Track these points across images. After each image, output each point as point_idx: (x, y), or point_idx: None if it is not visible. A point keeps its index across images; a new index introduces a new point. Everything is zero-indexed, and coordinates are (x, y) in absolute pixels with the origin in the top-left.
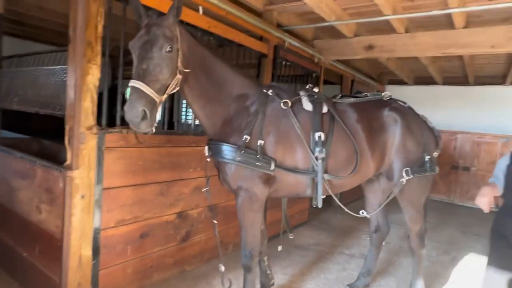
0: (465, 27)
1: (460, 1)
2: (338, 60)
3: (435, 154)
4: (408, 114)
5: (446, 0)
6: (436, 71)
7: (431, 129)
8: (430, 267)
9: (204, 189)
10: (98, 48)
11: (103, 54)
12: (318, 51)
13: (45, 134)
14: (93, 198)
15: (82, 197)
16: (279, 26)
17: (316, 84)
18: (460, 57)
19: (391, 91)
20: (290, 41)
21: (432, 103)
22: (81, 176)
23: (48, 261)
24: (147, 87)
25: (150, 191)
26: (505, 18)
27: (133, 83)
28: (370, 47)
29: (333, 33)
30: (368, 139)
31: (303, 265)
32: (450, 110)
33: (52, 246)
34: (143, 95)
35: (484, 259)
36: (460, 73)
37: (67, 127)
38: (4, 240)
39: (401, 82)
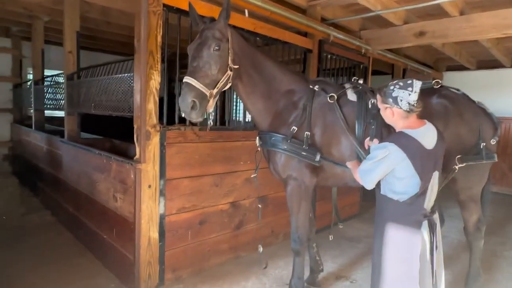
0: None
1: None
2: (388, 50)
3: (493, 141)
4: (459, 101)
5: None
6: (501, 53)
7: (488, 115)
8: (494, 262)
9: (252, 175)
10: (158, 56)
11: (162, 61)
12: (365, 41)
13: (114, 135)
14: (158, 188)
15: (149, 186)
16: (323, 20)
17: (364, 75)
18: None
19: (451, 78)
20: (334, 34)
21: (499, 88)
22: (147, 168)
23: (124, 242)
24: (196, 81)
25: (205, 182)
26: None
27: (185, 79)
28: (421, 34)
29: (381, 22)
30: None
31: (353, 256)
32: None
33: (127, 229)
34: (193, 89)
35: None
36: None
37: (135, 126)
38: (88, 224)
39: (462, 68)
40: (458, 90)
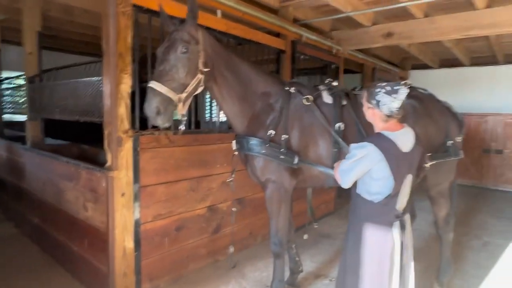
0: (487, 6)
1: None
2: (358, 50)
3: (459, 139)
4: (427, 101)
5: None
6: (461, 53)
7: (453, 115)
8: (460, 252)
9: (228, 179)
10: (129, 58)
11: (134, 62)
12: (336, 42)
13: (83, 140)
14: (132, 195)
15: (123, 194)
16: (296, 21)
17: (336, 74)
18: (486, 37)
19: (415, 76)
20: (307, 35)
21: (459, 86)
22: (120, 175)
23: (96, 253)
24: (161, 86)
25: (181, 187)
26: None
27: (150, 83)
28: (389, 35)
29: (351, 23)
30: None
31: (331, 253)
32: (479, 92)
33: (99, 239)
34: (157, 94)
35: None
36: (488, 53)
37: (106, 132)
38: (56, 236)
39: (426, 66)
40: (425, 90)
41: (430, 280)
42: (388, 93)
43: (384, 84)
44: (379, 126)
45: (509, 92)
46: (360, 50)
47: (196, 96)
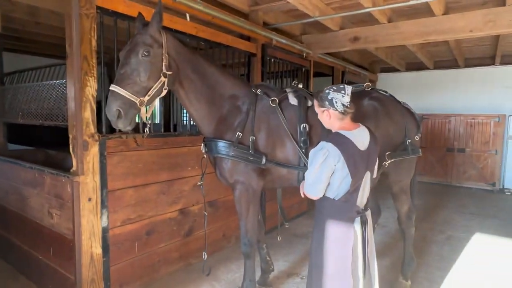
0: (446, 13)
1: None
2: (328, 53)
3: (417, 137)
4: (387, 102)
5: None
6: (425, 57)
7: (412, 115)
8: (425, 247)
9: (198, 183)
10: (94, 61)
11: (99, 64)
12: (306, 46)
13: (49, 145)
14: (99, 200)
15: (89, 200)
16: (266, 24)
17: (307, 77)
18: (446, 42)
19: (384, 79)
20: (277, 38)
21: (425, 88)
22: (86, 180)
23: (63, 261)
24: (122, 89)
25: (151, 191)
26: (483, 2)
27: (111, 87)
28: (355, 39)
29: (320, 27)
30: None
31: (303, 252)
32: (443, 94)
33: (65, 246)
34: (118, 97)
35: (478, 236)
36: (450, 57)
37: (70, 136)
38: (20, 245)
39: (393, 70)
40: (386, 92)
41: (396, 274)
42: (337, 90)
43: (329, 86)
44: (335, 126)
45: (470, 93)
46: (330, 54)
47: (173, 100)
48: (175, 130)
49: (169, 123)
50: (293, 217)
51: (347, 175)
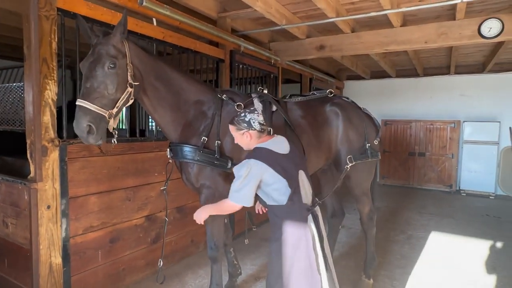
0: (403, 25)
1: (393, 2)
2: (296, 60)
3: (376, 142)
4: (348, 107)
5: (380, 2)
6: (388, 66)
7: (371, 120)
8: (387, 246)
9: (162, 188)
10: (54, 63)
11: (60, 67)
12: (274, 53)
13: (5, 152)
14: (60, 208)
15: (48, 207)
16: (234, 31)
17: (275, 84)
18: (406, 52)
19: (350, 87)
20: (245, 45)
21: (388, 95)
22: (45, 187)
23: (19, 272)
24: (91, 104)
25: (116, 197)
26: (437, 16)
27: (78, 102)
28: (321, 47)
29: (288, 35)
30: (314, 132)
31: None
32: (404, 101)
33: (21, 257)
34: (88, 112)
35: (435, 234)
36: (410, 66)
37: (28, 142)
38: None
39: (359, 77)
40: (347, 98)
41: (360, 274)
42: (251, 112)
43: (242, 110)
44: (254, 145)
45: (429, 101)
46: (298, 61)
47: (139, 105)
48: (141, 135)
49: (135, 129)
50: (261, 222)
51: (280, 180)
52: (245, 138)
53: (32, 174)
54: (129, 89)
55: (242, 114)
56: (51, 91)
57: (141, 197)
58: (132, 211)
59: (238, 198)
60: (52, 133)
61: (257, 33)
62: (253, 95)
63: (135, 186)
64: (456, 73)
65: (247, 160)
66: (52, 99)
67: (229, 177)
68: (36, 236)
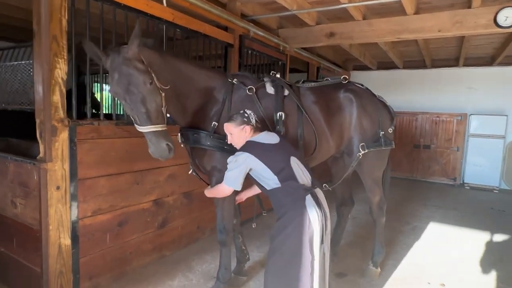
0: (416, 13)
1: None
2: (303, 48)
3: (390, 130)
4: (363, 94)
5: None
6: (396, 56)
7: (386, 107)
8: (393, 237)
9: (190, 171)
10: (64, 42)
11: (69, 50)
12: (283, 39)
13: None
14: (69, 189)
15: (58, 188)
16: (243, 16)
17: (283, 71)
18: (416, 42)
19: (357, 77)
20: (255, 30)
21: (394, 87)
22: (55, 168)
23: (28, 252)
24: (155, 126)
25: (124, 180)
26: (452, 3)
27: (144, 129)
28: (331, 35)
29: (297, 21)
30: (326, 119)
31: None
32: (411, 92)
33: (31, 237)
34: (159, 134)
35: (441, 226)
36: (418, 57)
37: (37, 121)
38: None
39: (366, 68)
40: (362, 85)
41: (367, 262)
42: (244, 111)
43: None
44: (247, 139)
45: (436, 93)
46: (306, 49)
47: None
48: None
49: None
50: (270, 208)
51: (264, 167)
52: (243, 133)
53: (41, 154)
54: (163, 94)
55: (241, 112)
56: (61, 70)
57: (149, 181)
58: (140, 194)
59: (227, 181)
60: (61, 113)
61: (266, 19)
62: (265, 79)
63: (143, 170)
64: (465, 65)
65: (238, 152)
66: (62, 78)
67: None
68: (46, 217)
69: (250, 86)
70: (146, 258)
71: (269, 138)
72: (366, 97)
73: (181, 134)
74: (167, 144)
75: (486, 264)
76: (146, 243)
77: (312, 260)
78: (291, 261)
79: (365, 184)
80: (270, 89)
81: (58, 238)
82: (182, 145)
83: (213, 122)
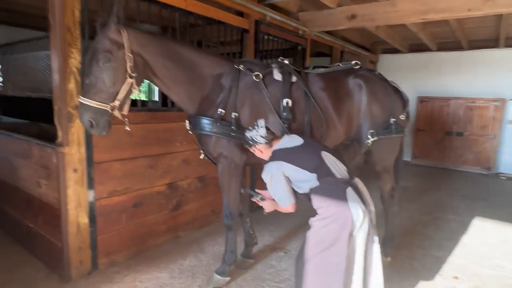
0: None
1: None
2: (326, 32)
3: (402, 117)
4: (373, 80)
5: None
6: (427, 38)
7: (398, 93)
8: (411, 227)
9: (201, 156)
10: (77, 32)
11: (83, 37)
12: (302, 23)
13: (43, 118)
14: (85, 172)
15: (75, 170)
16: (260, 0)
17: (303, 56)
18: (448, 23)
19: (386, 60)
20: (271, 15)
21: (426, 70)
22: (71, 151)
23: (51, 229)
24: (89, 100)
25: (139, 164)
26: None
27: (79, 98)
28: (352, 17)
29: (317, 4)
30: (334, 105)
31: (289, 228)
32: (444, 76)
33: (53, 215)
34: (88, 108)
35: (464, 217)
36: (453, 39)
37: (55, 108)
38: (12, 214)
39: (396, 51)
40: (374, 70)
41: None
42: (250, 130)
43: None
44: (269, 153)
45: (472, 77)
46: (329, 33)
47: None
48: (173, 106)
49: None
50: None
51: (298, 170)
52: (258, 152)
53: (59, 139)
54: (130, 80)
55: (255, 127)
56: (75, 59)
57: (163, 165)
58: (154, 178)
59: (285, 202)
60: (76, 100)
61: (285, 2)
62: (272, 65)
63: (157, 154)
64: (507, 46)
65: (267, 165)
66: (76, 67)
67: (246, 149)
68: (65, 197)
69: (256, 73)
70: (160, 238)
71: (293, 141)
72: (376, 82)
73: (189, 122)
74: (89, 121)
75: (506, 259)
76: (161, 224)
77: (350, 256)
78: (325, 252)
79: (376, 172)
80: (277, 76)
81: (77, 216)
82: (190, 132)
83: (220, 110)
